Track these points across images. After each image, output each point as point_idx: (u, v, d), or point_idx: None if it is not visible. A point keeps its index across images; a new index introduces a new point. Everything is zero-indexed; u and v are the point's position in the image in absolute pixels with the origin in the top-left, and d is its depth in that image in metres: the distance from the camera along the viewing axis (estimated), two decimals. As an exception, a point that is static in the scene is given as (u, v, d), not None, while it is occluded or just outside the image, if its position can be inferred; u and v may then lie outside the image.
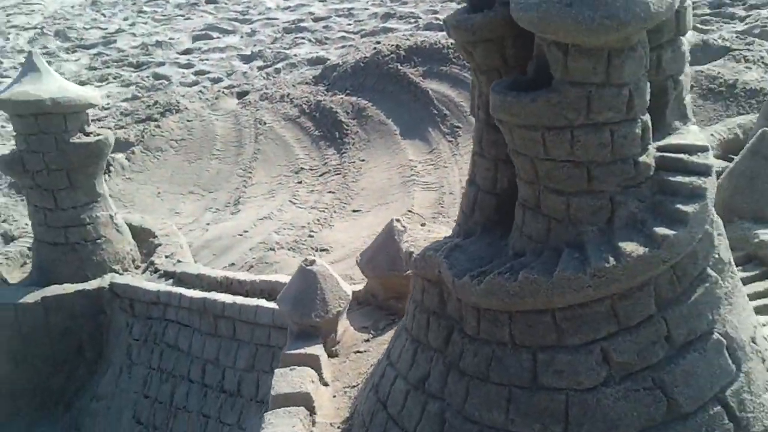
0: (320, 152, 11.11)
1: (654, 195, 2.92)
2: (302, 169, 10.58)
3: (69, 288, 6.35)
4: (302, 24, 16.50)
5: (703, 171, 2.93)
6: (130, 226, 7.28)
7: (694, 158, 2.95)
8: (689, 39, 3.32)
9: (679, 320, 2.95)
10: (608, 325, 2.90)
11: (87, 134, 6.51)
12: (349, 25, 16.42)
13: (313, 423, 3.95)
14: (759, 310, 4.03)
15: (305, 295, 4.42)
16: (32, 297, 6.20)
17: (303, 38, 16.01)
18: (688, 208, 2.83)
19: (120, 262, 6.80)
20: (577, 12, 2.51)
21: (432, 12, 16.34)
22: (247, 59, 15.16)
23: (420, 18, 15.90)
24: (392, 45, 12.27)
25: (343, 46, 14.51)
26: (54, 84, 6.27)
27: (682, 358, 2.94)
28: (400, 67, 11.84)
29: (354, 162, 10.18)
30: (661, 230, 2.80)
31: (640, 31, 2.67)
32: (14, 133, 6.44)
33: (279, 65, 14.42)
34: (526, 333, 3.00)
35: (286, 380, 4.13)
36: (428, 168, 9.69)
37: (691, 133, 3.11)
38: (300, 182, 10.15)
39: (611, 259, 2.78)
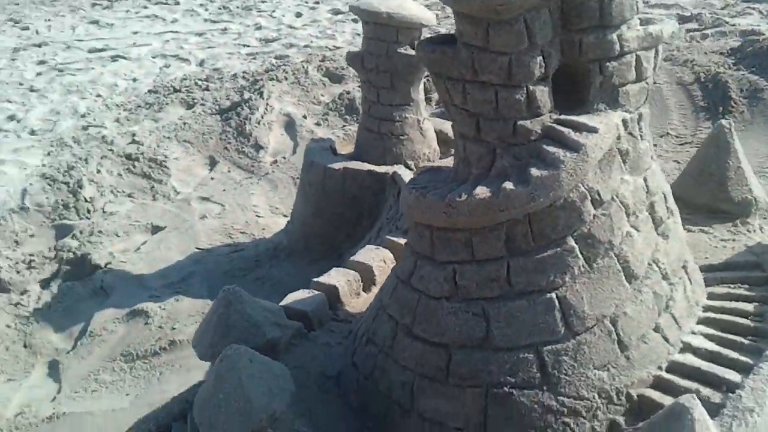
0: (696, 123, 10.91)
1: (529, 158, 3.42)
2: (667, 134, 10.62)
3: (365, 166, 8.14)
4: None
5: (573, 147, 3.31)
6: (440, 133, 8.76)
7: (574, 135, 3.33)
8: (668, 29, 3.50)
9: (522, 270, 3.44)
10: (463, 253, 3.55)
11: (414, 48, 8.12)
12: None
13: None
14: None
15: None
16: (338, 165, 8.18)
17: (752, 9, 15.01)
18: (535, 172, 3.29)
19: (415, 160, 8.39)
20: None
21: None
22: (685, 19, 14.93)
23: None
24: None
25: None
26: (396, 1, 7.98)
27: (511, 301, 3.44)
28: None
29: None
30: (507, 184, 3.34)
31: (506, 8, 3.19)
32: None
33: (709, 31, 13.96)
34: (417, 244, 3.79)
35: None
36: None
37: (602, 116, 3.42)
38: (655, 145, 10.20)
39: (463, 196, 3.43)
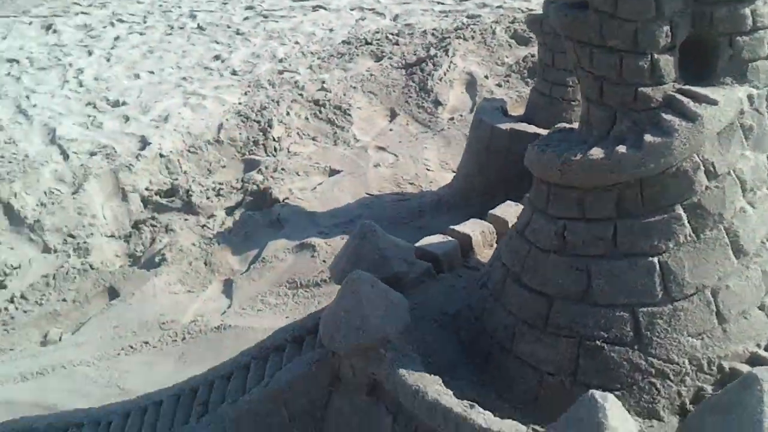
0: None
1: (647, 124, 3.54)
2: None
3: (532, 129, 8.23)
4: None
5: (691, 117, 3.39)
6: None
7: (692, 105, 3.41)
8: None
9: (628, 232, 3.59)
10: (574, 210, 3.74)
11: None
12: None
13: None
14: None
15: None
16: (506, 126, 8.37)
17: None
18: (649, 138, 3.42)
19: (584, 126, 8.42)
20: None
21: None
22: None
23: None
24: None
25: None
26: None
27: (614, 260, 3.61)
28: None
29: None
30: (620, 148, 3.50)
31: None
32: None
33: None
34: (535, 198, 4.01)
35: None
36: None
37: (726, 90, 3.46)
38: None
39: (578, 155, 3.63)
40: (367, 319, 4.02)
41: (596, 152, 3.51)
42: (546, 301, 3.77)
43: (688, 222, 3.50)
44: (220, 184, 11.02)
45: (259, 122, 11.93)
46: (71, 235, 10.20)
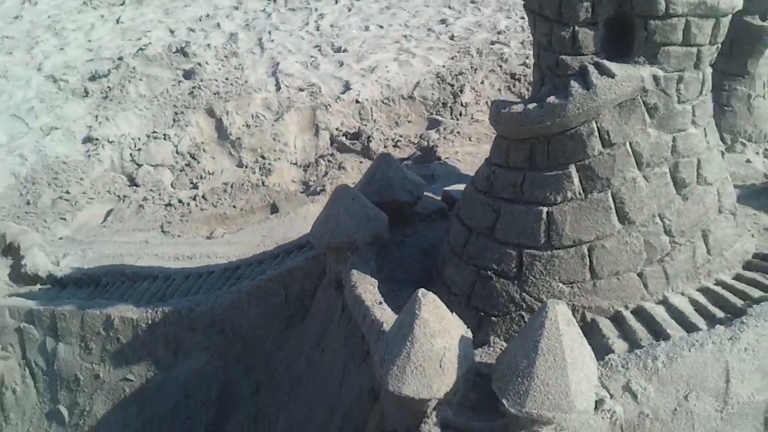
0: None
1: (561, 88, 4.02)
2: None
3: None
4: None
5: (587, 85, 3.85)
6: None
7: (593, 76, 3.85)
8: None
9: (532, 182, 4.07)
10: (501, 159, 4.31)
11: (765, 19, 7.92)
12: None
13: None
14: None
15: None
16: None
17: None
18: (550, 99, 3.91)
19: (733, 135, 8.17)
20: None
21: None
22: None
23: None
24: None
25: None
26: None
27: (517, 205, 4.13)
28: None
29: None
30: (530, 105, 4.03)
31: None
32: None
33: None
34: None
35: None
36: None
37: (631, 67, 3.82)
38: None
39: (506, 109, 4.21)
40: (340, 224, 4.91)
41: (516, 107, 4.06)
42: (467, 233, 4.39)
43: (579, 181, 3.94)
44: (400, 136, 12.13)
45: (452, 86, 12.84)
46: (262, 156, 11.90)
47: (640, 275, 3.98)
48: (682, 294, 4.01)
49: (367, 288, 4.57)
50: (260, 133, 12.27)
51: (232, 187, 11.10)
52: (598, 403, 3.44)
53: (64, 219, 10.65)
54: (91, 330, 6.20)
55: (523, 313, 4.07)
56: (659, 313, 3.90)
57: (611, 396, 3.50)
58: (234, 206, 10.80)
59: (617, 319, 3.94)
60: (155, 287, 6.31)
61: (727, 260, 4.14)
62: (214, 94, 12.90)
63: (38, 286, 6.99)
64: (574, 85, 3.84)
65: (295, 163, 11.96)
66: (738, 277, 4.13)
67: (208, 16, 16.34)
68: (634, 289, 3.98)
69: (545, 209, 4.02)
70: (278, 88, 13.18)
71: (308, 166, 11.85)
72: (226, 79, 13.47)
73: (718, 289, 4.02)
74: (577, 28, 3.90)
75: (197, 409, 5.83)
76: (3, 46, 15.81)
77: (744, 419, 3.59)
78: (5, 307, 6.50)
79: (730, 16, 3.85)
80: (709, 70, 4.00)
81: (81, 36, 16.12)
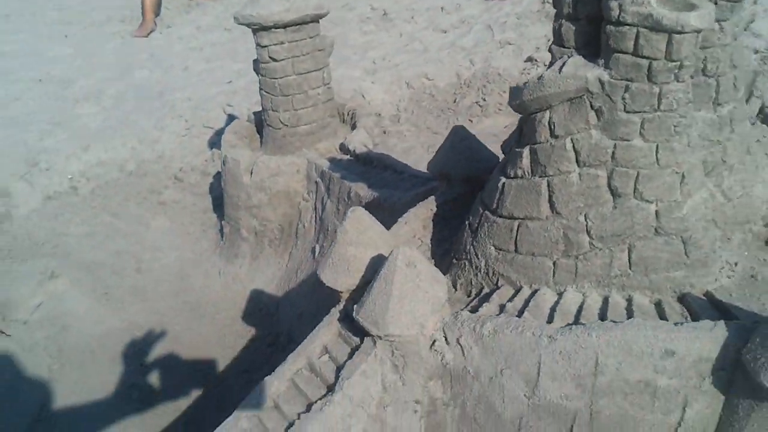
0: None
1: (546, 76, 4.41)
2: None
3: None
4: None
5: (541, 76, 4.23)
6: None
7: (550, 69, 4.21)
8: None
9: (513, 157, 4.63)
10: (516, 137, 4.83)
11: None
12: None
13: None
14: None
15: None
16: None
17: None
18: (520, 85, 4.40)
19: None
20: None
21: None
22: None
23: None
24: None
25: None
26: None
27: (511, 180, 4.72)
28: None
29: None
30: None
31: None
32: None
33: None
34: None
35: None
36: None
37: (580, 67, 4.06)
38: None
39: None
40: (441, 157, 5.88)
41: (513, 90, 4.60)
42: (484, 207, 5.05)
43: (530, 163, 4.37)
44: None
45: None
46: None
47: (554, 264, 4.31)
48: (583, 295, 4.23)
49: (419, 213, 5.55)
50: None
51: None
52: (433, 342, 4.17)
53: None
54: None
55: (466, 263, 4.73)
56: (547, 298, 4.24)
57: (447, 342, 4.17)
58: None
59: (517, 292, 4.39)
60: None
61: (651, 282, 4.15)
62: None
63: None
64: (537, 75, 4.26)
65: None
66: (658, 303, 4.14)
67: None
68: (543, 273, 4.33)
69: (503, 180, 4.54)
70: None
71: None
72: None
73: (619, 300, 4.15)
74: (562, 21, 4.24)
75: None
76: None
77: (551, 417, 3.94)
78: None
79: (691, 36, 3.79)
80: (677, 87, 3.94)
81: None
